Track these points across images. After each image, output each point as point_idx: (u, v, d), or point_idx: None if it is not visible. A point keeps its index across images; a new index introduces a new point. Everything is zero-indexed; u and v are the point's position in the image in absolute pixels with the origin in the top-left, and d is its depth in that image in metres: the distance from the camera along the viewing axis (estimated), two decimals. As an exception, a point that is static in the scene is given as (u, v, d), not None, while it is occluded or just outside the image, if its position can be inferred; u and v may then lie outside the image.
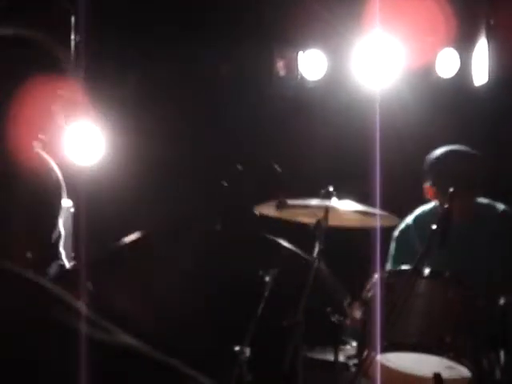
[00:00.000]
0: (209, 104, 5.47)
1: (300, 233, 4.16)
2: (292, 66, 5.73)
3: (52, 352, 0.85)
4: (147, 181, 5.01)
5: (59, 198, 3.09)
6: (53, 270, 3.04)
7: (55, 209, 3.07)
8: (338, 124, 5.63)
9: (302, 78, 5.74)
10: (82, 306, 0.90)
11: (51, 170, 3.08)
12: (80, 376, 0.86)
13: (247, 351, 4.02)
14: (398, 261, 4.39)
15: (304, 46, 5.68)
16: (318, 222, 3.96)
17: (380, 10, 5.08)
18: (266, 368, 4.03)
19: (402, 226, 4.53)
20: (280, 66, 5.73)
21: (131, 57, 5.20)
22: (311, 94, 5.79)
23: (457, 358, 3.51)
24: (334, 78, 5.71)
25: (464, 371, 3.55)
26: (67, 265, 3.08)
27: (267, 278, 4.16)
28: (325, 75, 5.73)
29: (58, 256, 3.08)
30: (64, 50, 2.95)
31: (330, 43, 5.64)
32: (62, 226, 3.11)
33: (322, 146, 5.73)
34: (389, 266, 4.42)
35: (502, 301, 3.71)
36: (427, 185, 4.40)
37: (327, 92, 5.74)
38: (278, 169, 4.79)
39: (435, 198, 4.40)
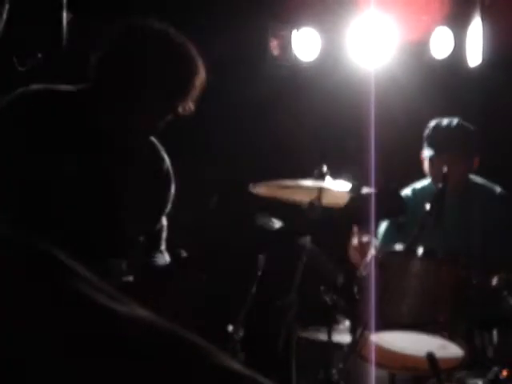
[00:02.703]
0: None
1: (294, 212, 4.15)
2: (286, 46, 5.70)
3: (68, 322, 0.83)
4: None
5: (168, 189, 2.99)
6: (160, 258, 2.99)
7: (164, 201, 2.99)
8: (333, 103, 5.61)
9: (296, 57, 5.72)
10: (95, 277, 0.88)
11: (162, 158, 3.00)
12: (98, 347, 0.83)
13: (240, 331, 4.02)
14: (389, 233, 4.43)
15: (298, 25, 5.65)
16: (311, 202, 3.95)
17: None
18: (260, 348, 4.03)
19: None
20: (274, 46, 5.70)
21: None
22: (305, 74, 5.76)
23: (450, 337, 3.52)
24: (329, 57, 5.69)
25: (457, 350, 3.56)
26: (167, 256, 3.01)
27: (260, 258, 4.15)
28: (319, 54, 5.70)
29: (159, 246, 3.03)
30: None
31: (325, 22, 5.61)
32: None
33: (317, 124, 5.71)
34: (379, 236, 4.44)
35: (495, 280, 3.72)
36: (422, 155, 4.46)
37: (321, 71, 5.72)
38: None
39: (428, 169, 4.44)
